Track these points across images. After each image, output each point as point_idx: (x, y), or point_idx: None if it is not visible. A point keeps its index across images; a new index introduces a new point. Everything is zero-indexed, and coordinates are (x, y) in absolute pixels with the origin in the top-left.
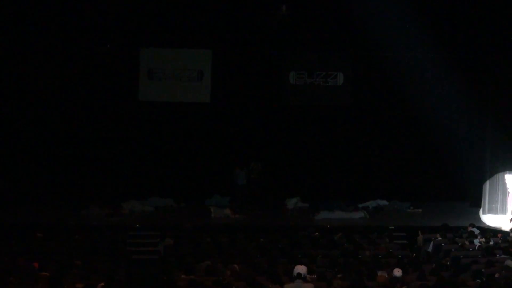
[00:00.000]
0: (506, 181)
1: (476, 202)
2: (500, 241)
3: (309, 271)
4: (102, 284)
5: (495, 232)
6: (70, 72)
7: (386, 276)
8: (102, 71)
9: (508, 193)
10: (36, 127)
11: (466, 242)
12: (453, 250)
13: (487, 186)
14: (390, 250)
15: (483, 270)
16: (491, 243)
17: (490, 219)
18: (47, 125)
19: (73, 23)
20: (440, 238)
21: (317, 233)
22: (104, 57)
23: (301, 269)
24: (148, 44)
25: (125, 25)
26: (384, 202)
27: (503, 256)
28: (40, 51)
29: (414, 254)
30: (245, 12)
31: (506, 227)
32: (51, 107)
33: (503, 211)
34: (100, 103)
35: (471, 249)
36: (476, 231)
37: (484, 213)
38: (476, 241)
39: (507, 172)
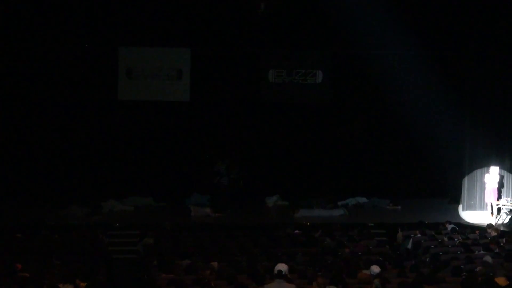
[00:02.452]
0: (485, 177)
1: (454, 199)
2: (478, 238)
3: (290, 270)
4: (84, 284)
5: (473, 228)
6: (49, 72)
7: (369, 273)
8: (81, 70)
9: (485, 188)
10: (13, 126)
11: (445, 239)
12: (432, 246)
13: (465, 182)
14: (370, 247)
15: (462, 266)
16: (470, 239)
17: (469, 216)
18: (25, 125)
19: (52, 23)
20: (419, 235)
21: (297, 231)
22: (83, 56)
23: (282, 266)
24: (127, 43)
25: (104, 24)
26: (363, 200)
27: (482, 252)
28: (18, 51)
29: (397, 252)
30: (224, 10)
31: (485, 223)
32: (29, 107)
33: (482, 207)
34: (80, 102)
35: (450, 246)
36: (452, 227)
37: (463, 209)
38: (455, 238)
39: (487, 168)
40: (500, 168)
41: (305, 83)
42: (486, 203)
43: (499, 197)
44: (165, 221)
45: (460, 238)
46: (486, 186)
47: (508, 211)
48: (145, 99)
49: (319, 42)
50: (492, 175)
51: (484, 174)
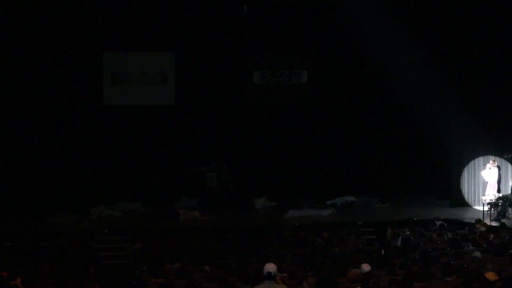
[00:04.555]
0: (484, 172)
1: (443, 195)
2: (467, 233)
3: (280, 270)
4: None
5: (462, 224)
6: (34, 79)
7: (358, 272)
8: (66, 77)
9: (487, 182)
10: None
11: (434, 235)
12: (421, 243)
13: (454, 178)
14: (359, 246)
15: (452, 262)
16: (459, 235)
17: (457, 212)
18: (10, 132)
19: (35, 30)
20: (408, 232)
21: (288, 232)
22: (67, 62)
23: (270, 267)
24: (111, 48)
25: (87, 29)
26: (351, 198)
27: (471, 247)
28: (1, 58)
29: (383, 250)
30: (207, 13)
31: (474, 218)
32: (14, 114)
33: (471, 203)
34: (65, 109)
35: (439, 242)
36: (440, 224)
37: (451, 206)
38: (444, 234)
39: (483, 163)
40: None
41: (290, 84)
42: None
43: (498, 191)
44: (154, 225)
45: (449, 234)
46: (487, 179)
47: (493, 204)
48: (131, 104)
49: (302, 42)
50: (492, 169)
51: (476, 169)
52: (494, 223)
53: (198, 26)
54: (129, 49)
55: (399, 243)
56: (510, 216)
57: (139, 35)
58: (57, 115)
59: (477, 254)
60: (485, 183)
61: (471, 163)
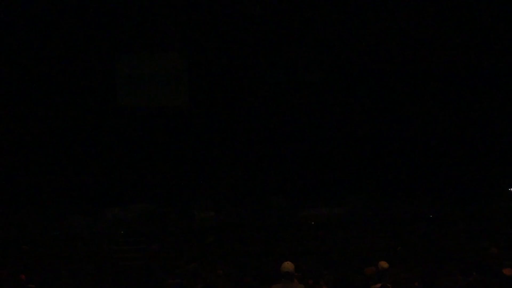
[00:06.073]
0: None
1: (456, 189)
2: (484, 228)
3: (296, 269)
4: None
5: (479, 219)
6: (48, 80)
7: (374, 269)
8: (80, 78)
9: None
10: (12, 135)
11: (451, 231)
12: (438, 239)
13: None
14: (376, 243)
15: (469, 258)
16: (475, 230)
17: (472, 207)
18: (24, 133)
19: (50, 32)
20: (424, 228)
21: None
22: (81, 64)
23: (288, 266)
24: (124, 50)
25: (100, 31)
26: (366, 196)
27: (487, 243)
28: (16, 61)
29: (399, 247)
30: (219, 13)
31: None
32: (28, 116)
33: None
34: (80, 110)
35: (456, 238)
36: (456, 219)
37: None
38: (461, 229)
39: None
40: None
41: (305, 81)
42: None
43: None
44: (169, 227)
45: (466, 229)
46: None
47: None
48: (145, 105)
49: (316, 40)
50: None
51: None
52: None
53: (211, 26)
54: (142, 50)
55: (416, 239)
56: None
57: (152, 36)
58: (71, 116)
59: (494, 250)
60: None
61: None
